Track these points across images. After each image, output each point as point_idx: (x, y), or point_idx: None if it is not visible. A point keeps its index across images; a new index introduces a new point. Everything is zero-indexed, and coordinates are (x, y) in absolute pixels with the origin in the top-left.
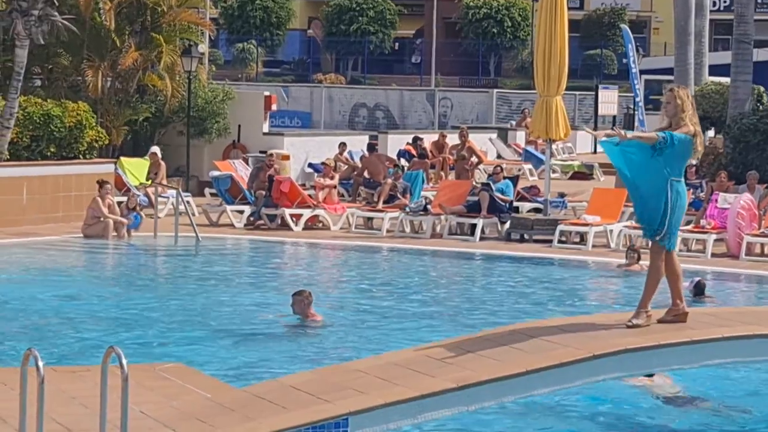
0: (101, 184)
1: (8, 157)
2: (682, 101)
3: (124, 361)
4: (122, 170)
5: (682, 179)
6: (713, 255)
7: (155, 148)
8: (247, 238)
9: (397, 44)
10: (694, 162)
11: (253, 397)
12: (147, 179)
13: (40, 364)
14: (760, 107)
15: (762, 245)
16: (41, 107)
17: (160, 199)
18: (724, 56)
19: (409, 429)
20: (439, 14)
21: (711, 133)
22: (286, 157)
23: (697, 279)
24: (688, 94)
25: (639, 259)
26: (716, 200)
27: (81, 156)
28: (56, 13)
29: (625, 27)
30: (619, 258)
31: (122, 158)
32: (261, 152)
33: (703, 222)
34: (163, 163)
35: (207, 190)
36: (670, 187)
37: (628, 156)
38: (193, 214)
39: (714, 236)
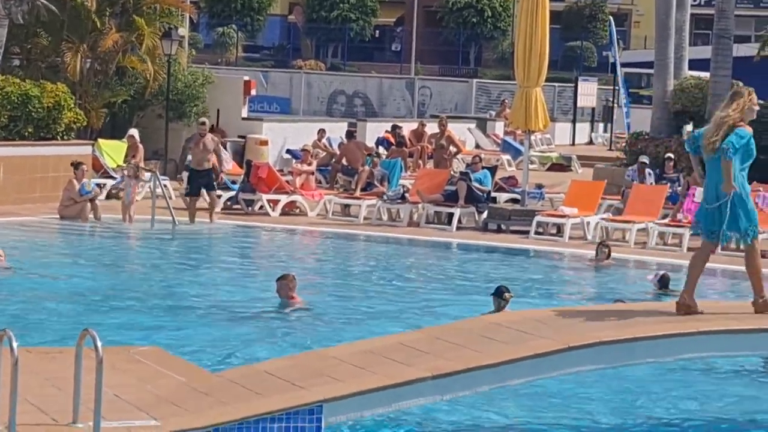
0: (76, 165)
1: None
2: None
3: (99, 344)
4: (100, 152)
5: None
6: (689, 249)
7: (133, 131)
8: (223, 222)
9: (377, 32)
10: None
11: (228, 382)
12: (124, 161)
13: (14, 344)
14: None
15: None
16: (19, 87)
17: (137, 182)
18: (704, 51)
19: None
20: (420, 3)
21: (689, 127)
22: (265, 143)
23: (661, 273)
24: None
25: (609, 255)
26: (693, 194)
27: (59, 137)
28: None
29: (609, 18)
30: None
31: (100, 140)
32: (240, 137)
33: (679, 216)
34: (141, 146)
35: (184, 174)
36: None
37: None
38: (170, 198)
39: (690, 230)
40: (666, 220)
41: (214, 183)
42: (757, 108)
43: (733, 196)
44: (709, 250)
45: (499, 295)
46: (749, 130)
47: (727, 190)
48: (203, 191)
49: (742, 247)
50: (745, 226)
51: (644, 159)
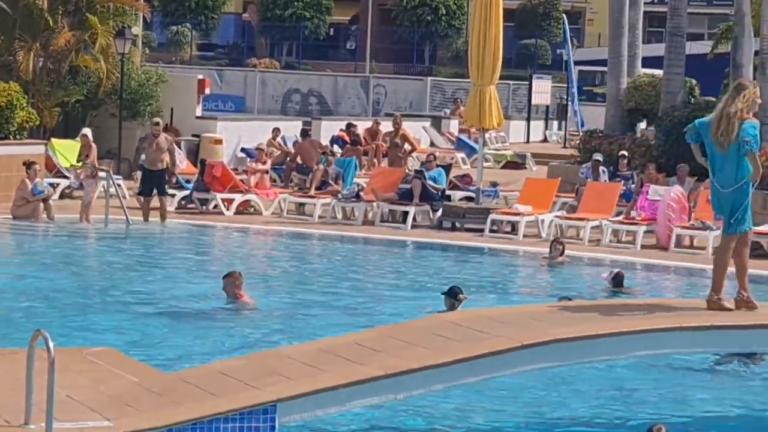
0: (28, 165)
1: None
2: None
3: (51, 345)
4: (53, 152)
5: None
6: (643, 247)
7: (86, 130)
8: (177, 221)
9: (332, 30)
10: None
11: (181, 381)
12: (78, 161)
13: None
14: (692, 100)
15: (691, 237)
16: None
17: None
18: (658, 48)
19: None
20: (375, 1)
21: (643, 125)
22: (219, 141)
23: (615, 270)
24: None
25: (563, 252)
26: (647, 192)
27: (11, 136)
28: None
29: (563, 15)
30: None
31: (53, 139)
32: (194, 135)
33: (633, 213)
34: (94, 145)
35: (138, 174)
36: None
37: None
38: (124, 197)
39: (644, 228)
40: (620, 218)
41: (166, 185)
42: (759, 101)
43: (743, 181)
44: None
45: (453, 296)
46: (757, 121)
47: (757, 175)
48: (154, 193)
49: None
50: (741, 216)
51: (598, 157)
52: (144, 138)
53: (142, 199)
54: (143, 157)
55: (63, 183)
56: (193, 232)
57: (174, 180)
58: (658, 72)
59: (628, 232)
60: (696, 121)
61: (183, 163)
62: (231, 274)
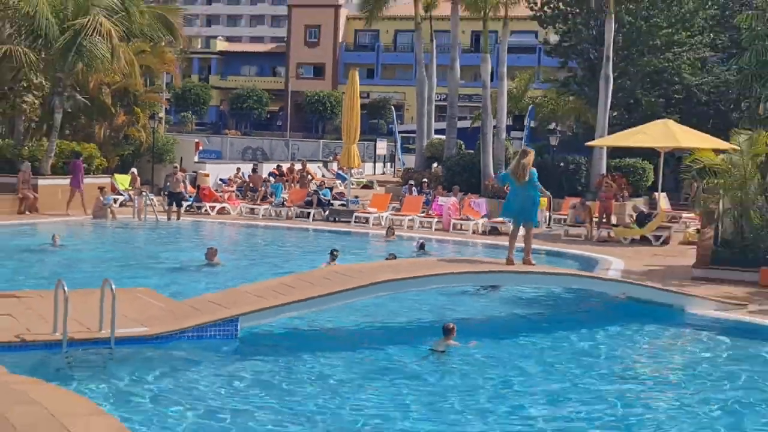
0: (101, 188)
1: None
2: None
3: (113, 286)
4: (115, 181)
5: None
6: (436, 230)
7: (133, 169)
8: (185, 219)
9: (269, 114)
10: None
11: (187, 306)
12: (129, 186)
13: None
14: (460, 152)
15: (461, 224)
16: (69, 146)
17: (140, 197)
18: (443, 124)
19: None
20: (292, 98)
21: (435, 164)
22: (207, 175)
23: (421, 240)
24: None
25: (393, 233)
26: (438, 200)
27: (92, 173)
28: (77, 94)
29: (392, 107)
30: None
31: (115, 174)
32: (193, 171)
33: (431, 212)
34: (138, 177)
35: (162, 193)
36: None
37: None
38: (155, 206)
39: (436, 220)
40: (423, 215)
41: (182, 200)
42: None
43: (535, 199)
44: (517, 231)
45: (331, 253)
46: (535, 169)
47: (544, 196)
48: (174, 204)
49: (526, 227)
50: (536, 217)
51: (411, 182)
52: (169, 175)
53: (168, 208)
54: (168, 185)
55: (120, 198)
56: (193, 225)
57: (185, 197)
58: (442, 137)
59: (427, 222)
60: (502, 174)
61: (188, 188)
62: (210, 248)
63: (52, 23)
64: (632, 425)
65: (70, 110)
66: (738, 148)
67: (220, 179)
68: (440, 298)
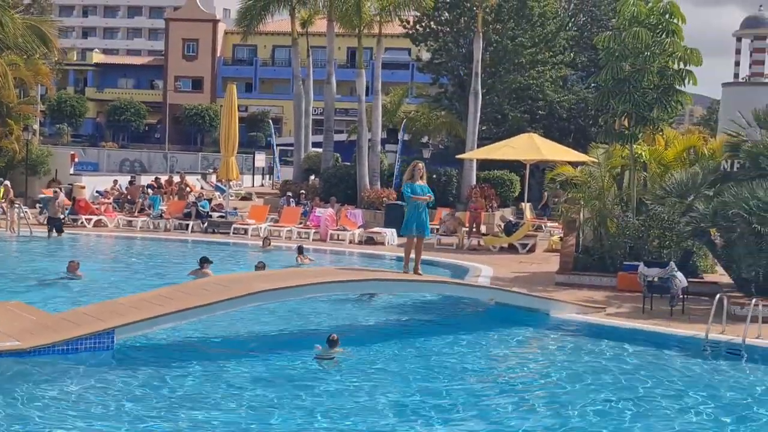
0: None
1: None
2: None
3: None
4: None
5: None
6: (313, 240)
7: (6, 181)
8: (65, 233)
9: (147, 127)
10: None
11: (60, 319)
12: (2, 198)
13: None
14: (337, 164)
15: (338, 234)
16: None
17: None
18: (320, 137)
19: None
20: (171, 112)
21: (313, 177)
22: (83, 187)
23: (298, 246)
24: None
25: (270, 243)
26: (315, 211)
27: None
28: None
29: (270, 121)
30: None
31: None
32: (69, 184)
33: (309, 223)
34: (11, 189)
35: (37, 205)
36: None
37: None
38: (29, 219)
39: (314, 230)
40: (300, 226)
41: (62, 225)
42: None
43: (427, 211)
44: (413, 242)
45: (201, 263)
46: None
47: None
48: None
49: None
50: (428, 227)
51: (289, 194)
52: (50, 200)
53: (48, 232)
54: (48, 207)
55: None
56: (70, 239)
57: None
58: (319, 150)
59: (305, 233)
60: (409, 188)
61: (63, 200)
62: (72, 261)
63: None
64: (499, 422)
65: None
66: (596, 161)
67: (97, 191)
68: (322, 305)
